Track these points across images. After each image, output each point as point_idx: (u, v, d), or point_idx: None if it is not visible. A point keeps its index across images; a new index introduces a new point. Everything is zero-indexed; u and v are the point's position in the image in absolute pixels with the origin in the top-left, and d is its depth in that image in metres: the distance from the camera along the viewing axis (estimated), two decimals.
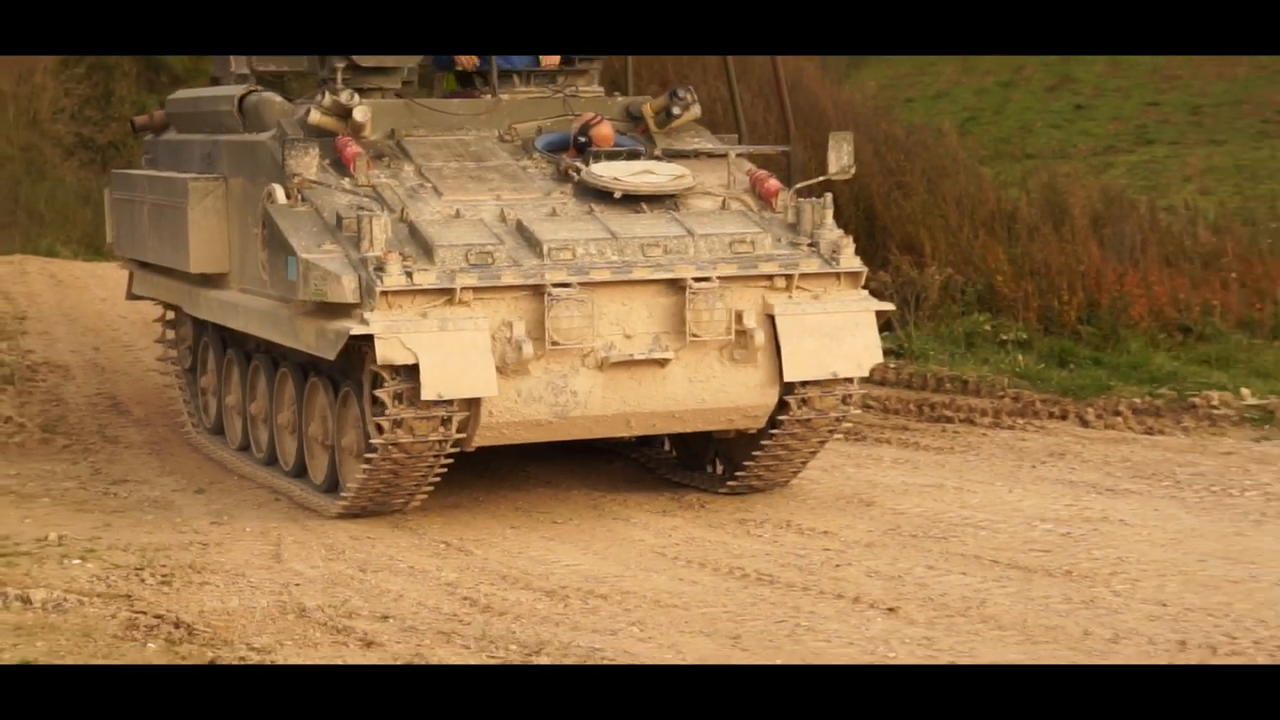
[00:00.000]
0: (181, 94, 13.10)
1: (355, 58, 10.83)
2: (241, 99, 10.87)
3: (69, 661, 7.20)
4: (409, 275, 9.00)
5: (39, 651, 7.28)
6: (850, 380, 9.68)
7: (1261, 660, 6.93)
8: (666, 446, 10.86)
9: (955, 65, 55.52)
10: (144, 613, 7.75)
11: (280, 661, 7.12)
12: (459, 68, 11.18)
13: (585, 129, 10.16)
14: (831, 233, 9.74)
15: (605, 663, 6.58)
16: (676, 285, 9.39)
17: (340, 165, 9.73)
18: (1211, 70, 51.04)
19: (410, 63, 11.23)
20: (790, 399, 9.61)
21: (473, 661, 7.08)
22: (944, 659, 7.02)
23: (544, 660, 7.03)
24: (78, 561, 8.73)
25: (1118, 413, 12.02)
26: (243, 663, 7.11)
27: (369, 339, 8.88)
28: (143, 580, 8.36)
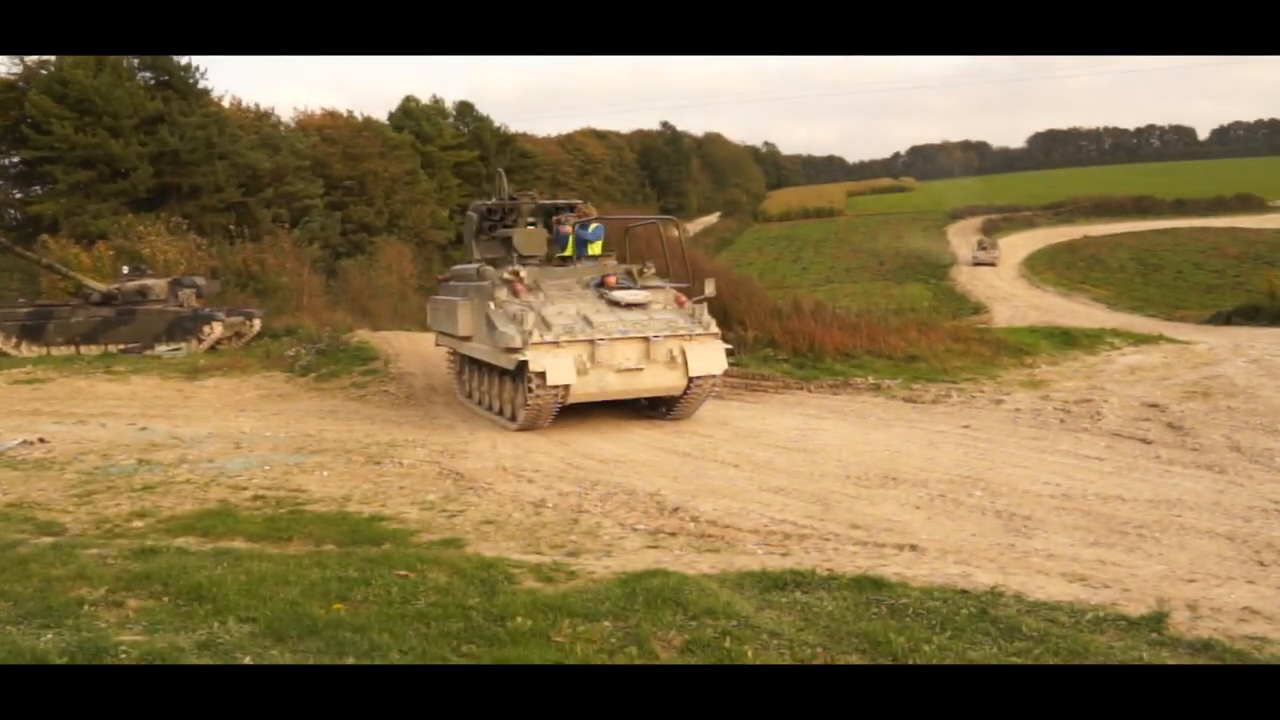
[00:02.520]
0: (455, 268, 12.67)
1: (519, 251, 10.67)
2: (478, 269, 10.65)
3: (409, 485, 6.90)
4: (541, 336, 8.99)
5: (404, 482, 7.15)
6: (715, 375, 9.63)
7: (876, 479, 6.93)
8: (644, 403, 10.72)
9: (754, 251, 55.63)
10: (445, 470, 7.73)
11: (494, 487, 6.87)
12: (561, 253, 10.91)
13: (606, 277, 10.17)
14: (707, 317, 9.71)
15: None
16: (646, 339, 9.33)
17: (514, 293, 9.70)
18: (850, 256, 51.22)
19: (542, 252, 10.89)
20: (691, 384, 9.54)
21: (570, 488, 6.86)
22: (757, 481, 6.97)
23: (599, 490, 6.74)
24: (419, 449, 8.71)
25: (823, 387, 12.02)
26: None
27: (526, 361, 8.89)
28: (443, 456, 8.34)
